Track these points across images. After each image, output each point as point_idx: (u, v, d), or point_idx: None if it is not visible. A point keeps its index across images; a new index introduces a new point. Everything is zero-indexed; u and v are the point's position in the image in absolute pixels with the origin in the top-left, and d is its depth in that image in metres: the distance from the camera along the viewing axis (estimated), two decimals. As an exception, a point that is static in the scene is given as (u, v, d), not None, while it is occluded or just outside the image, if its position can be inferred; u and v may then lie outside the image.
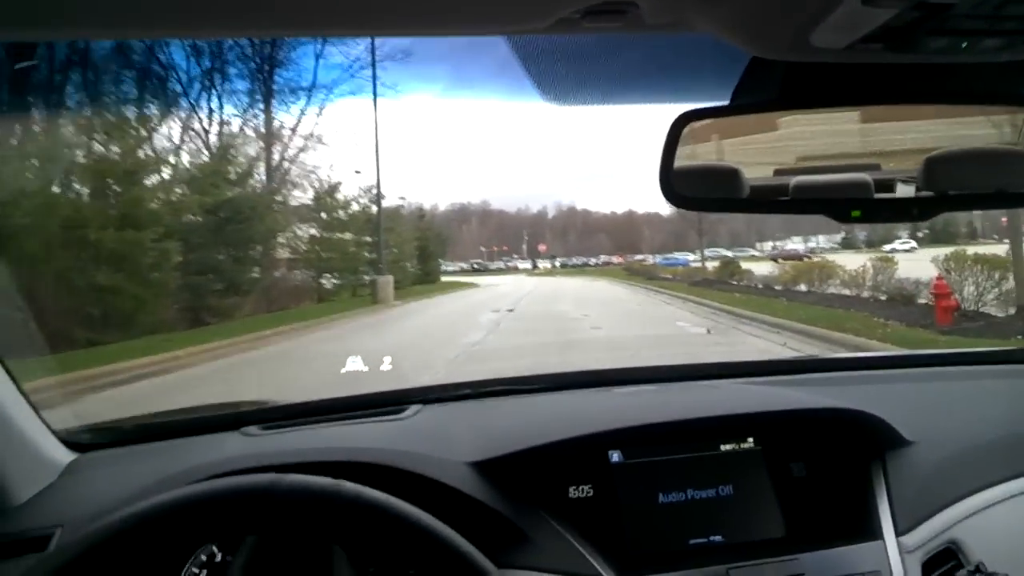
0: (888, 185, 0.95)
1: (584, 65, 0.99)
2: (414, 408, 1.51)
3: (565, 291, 26.85)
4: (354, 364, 8.03)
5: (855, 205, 0.94)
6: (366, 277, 22.34)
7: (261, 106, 22.16)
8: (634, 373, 1.94)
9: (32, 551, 1.08)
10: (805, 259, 41.13)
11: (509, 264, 61.81)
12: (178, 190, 16.77)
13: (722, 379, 1.74)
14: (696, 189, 0.98)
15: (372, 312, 18.51)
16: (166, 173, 16.74)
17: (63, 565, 0.69)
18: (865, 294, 13.94)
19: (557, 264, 61.74)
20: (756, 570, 1.16)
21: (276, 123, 22.32)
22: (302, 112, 22.64)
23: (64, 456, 1.31)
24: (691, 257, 47.96)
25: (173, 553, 1.04)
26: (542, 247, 57.05)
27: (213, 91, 20.94)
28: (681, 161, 0.95)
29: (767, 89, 0.89)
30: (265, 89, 22.22)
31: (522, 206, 79.08)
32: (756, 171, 0.99)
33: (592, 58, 0.98)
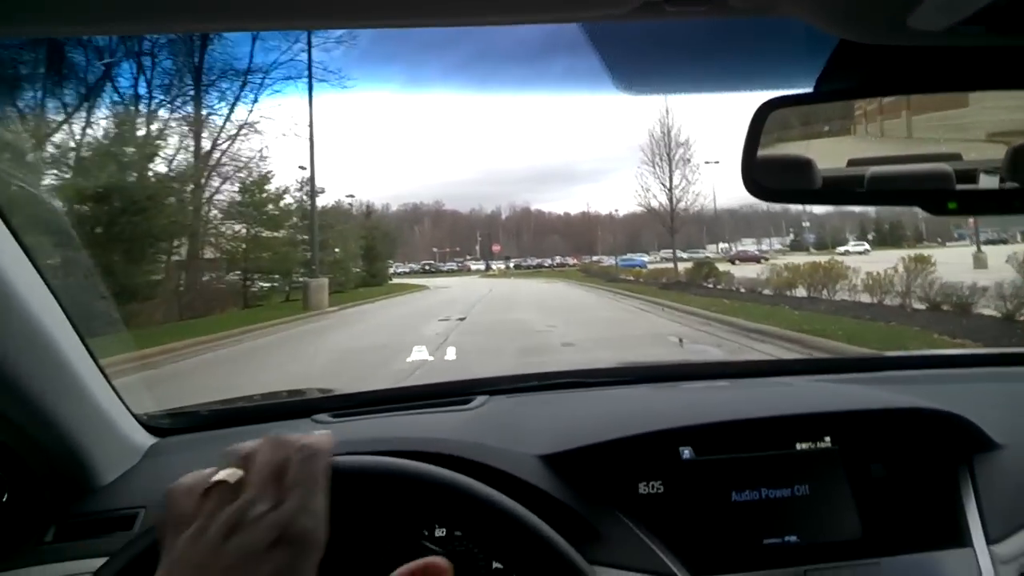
0: (970, 176, 0.89)
1: (659, 52, 0.96)
2: (480, 399, 1.49)
3: (522, 295, 24.36)
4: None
5: (945, 196, 0.88)
6: (303, 280, 19.52)
7: (191, 91, 19.44)
8: (702, 368, 2.00)
9: (119, 529, 1.11)
10: (763, 260, 40.17)
11: (462, 265, 59.16)
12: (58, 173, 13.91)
13: (795, 375, 1.71)
14: (776, 181, 0.93)
15: (297, 322, 15.60)
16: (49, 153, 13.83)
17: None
18: (891, 301, 11.60)
19: (511, 265, 59.39)
20: (834, 573, 1.12)
21: (209, 110, 19.93)
22: (236, 99, 19.95)
23: (145, 440, 1.34)
24: (647, 258, 46.49)
25: None
26: (496, 248, 54.37)
27: (139, 70, 18.10)
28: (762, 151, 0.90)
29: (854, 75, 0.85)
30: (195, 72, 19.43)
31: (476, 206, 77.46)
32: (828, 161, 0.93)
33: (667, 45, 0.94)
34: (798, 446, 1.25)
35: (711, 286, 18.62)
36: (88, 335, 1.18)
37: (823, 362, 1.95)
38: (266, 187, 20.41)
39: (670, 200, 21.59)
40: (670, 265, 28.45)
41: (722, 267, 22.51)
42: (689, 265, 23.97)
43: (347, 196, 33.83)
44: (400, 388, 1.64)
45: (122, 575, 0.70)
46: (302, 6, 0.64)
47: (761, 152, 0.89)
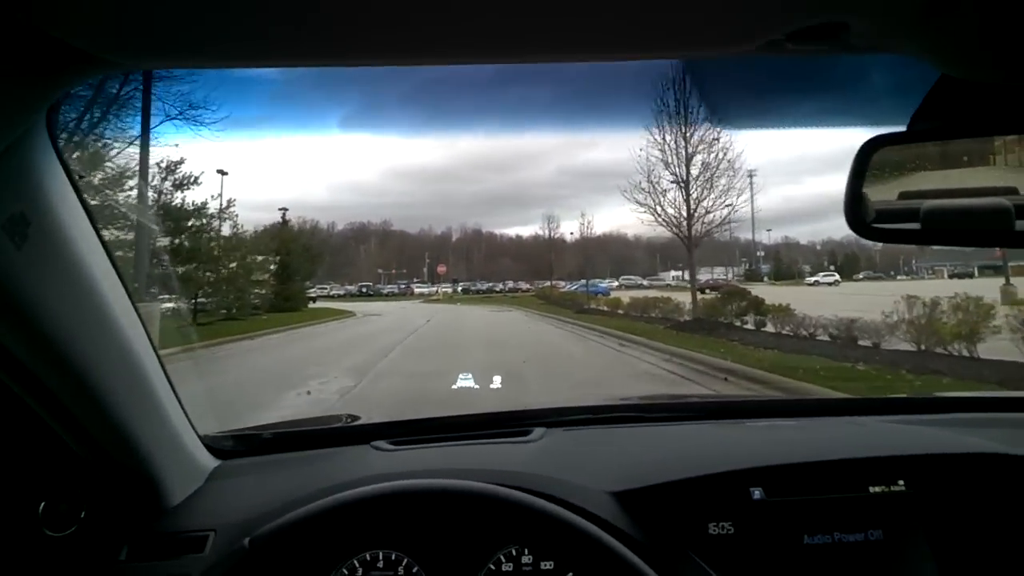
0: None
1: (755, 88, 0.95)
2: (539, 431, 1.45)
3: (468, 328, 17.88)
4: None
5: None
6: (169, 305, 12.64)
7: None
8: (766, 405, 1.91)
9: (190, 551, 1.10)
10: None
11: (404, 288, 52.17)
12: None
13: (862, 415, 1.61)
14: (880, 219, 0.90)
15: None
16: None
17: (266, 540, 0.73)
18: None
19: (459, 289, 52.68)
20: None
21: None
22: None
23: (210, 462, 1.33)
24: (609, 284, 40.92)
25: (327, 555, 1.06)
26: (441, 269, 47.77)
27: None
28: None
29: (951, 113, 0.82)
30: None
31: (425, 227, 70.70)
32: (879, 194, 0.90)
33: (763, 82, 0.94)
34: (871, 489, 1.20)
35: (751, 328, 12.28)
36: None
37: (890, 401, 1.86)
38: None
39: (688, 217, 15.50)
40: (649, 293, 22.50)
41: (674, 296, 18.00)
42: (653, 293, 19.85)
43: (280, 209, 28.66)
44: (456, 416, 1.61)
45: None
46: (415, 46, 0.67)
47: (867, 189, 0.86)
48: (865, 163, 0.86)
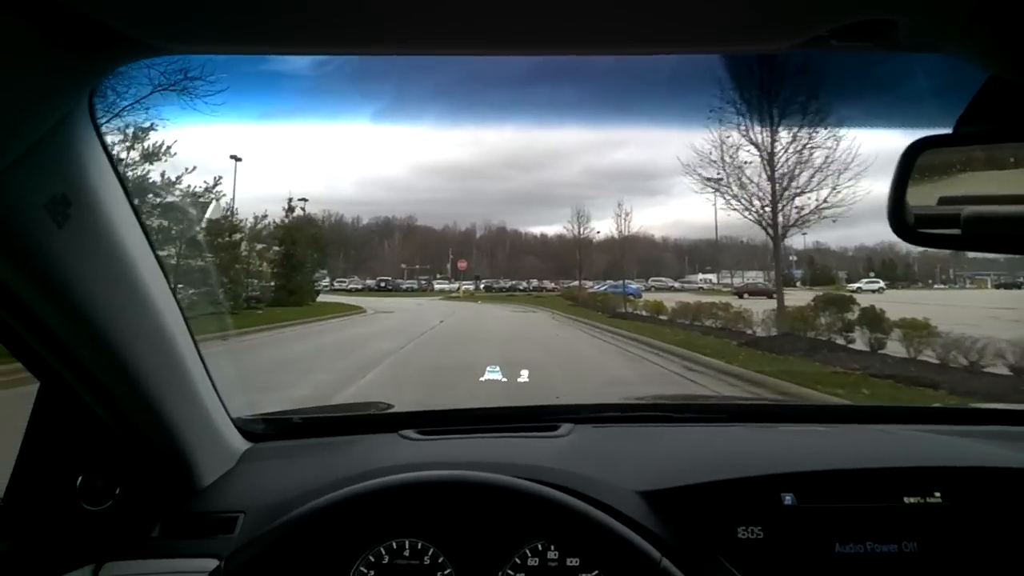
0: None
1: (797, 86, 1.16)
2: (567, 427, 1.43)
3: (487, 333, 15.01)
4: None
5: None
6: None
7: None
8: (797, 410, 1.86)
9: (221, 531, 1.12)
10: (774, 295, 34.90)
11: (425, 284, 49.28)
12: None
13: (895, 423, 1.58)
14: (924, 223, 0.87)
15: None
16: None
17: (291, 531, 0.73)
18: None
19: (481, 287, 49.77)
20: None
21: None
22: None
23: (241, 444, 1.33)
24: (637, 286, 38.09)
25: (354, 542, 1.07)
26: (461, 265, 44.77)
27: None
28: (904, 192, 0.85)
29: (998, 115, 0.79)
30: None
31: (449, 223, 68.19)
32: (919, 198, 0.86)
33: (805, 80, 1.12)
34: (906, 500, 1.17)
35: (862, 347, 9.01)
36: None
37: (925, 411, 1.75)
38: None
39: (773, 197, 12.18)
40: (680, 296, 19.29)
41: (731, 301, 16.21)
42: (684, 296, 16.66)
43: (299, 200, 25.88)
44: (483, 409, 1.57)
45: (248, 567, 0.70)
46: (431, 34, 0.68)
47: (911, 193, 0.84)
48: (910, 166, 0.83)
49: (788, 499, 1.16)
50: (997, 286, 41.03)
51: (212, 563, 0.86)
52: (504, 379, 7.38)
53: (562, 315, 21.63)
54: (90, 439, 1.10)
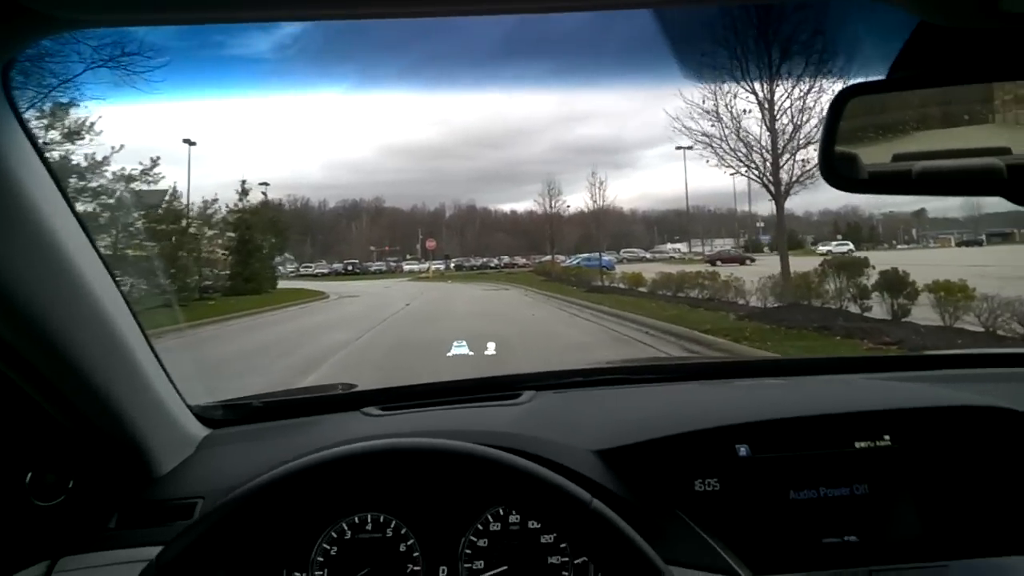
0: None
1: (730, 39, 1.39)
2: (528, 394, 1.43)
3: (455, 315, 13.89)
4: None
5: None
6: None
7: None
8: (754, 365, 1.91)
9: (179, 518, 1.10)
10: (748, 262, 32.69)
11: (393, 266, 47.59)
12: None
13: (850, 373, 1.58)
14: (856, 170, 0.87)
15: None
16: None
17: (240, 507, 0.71)
18: None
19: (451, 266, 48.20)
20: (900, 574, 1.06)
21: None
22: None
23: (199, 431, 1.31)
24: (610, 258, 37.10)
25: (314, 519, 1.08)
26: (431, 243, 43.09)
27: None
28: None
29: (929, 61, 0.80)
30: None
31: (418, 204, 66.74)
32: (872, 155, 0.88)
33: (736, 31, 1.34)
34: (856, 444, 1.18)
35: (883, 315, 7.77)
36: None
37: (878, 359, 1.83)
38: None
39: (774, 152, 10.88)
40: (652, 266, 18.13)
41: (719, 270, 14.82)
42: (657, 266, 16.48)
43: (261, 184, 25.59)
44: (446, 382, 1.54)
45: (183, 558, 0.68)
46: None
47: (840, 141, 0.84)
48: (838, 113, 0.84)
49: (743, 450, 1.16)
50: (959, 243, 41.09)
51: None
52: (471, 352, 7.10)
53: (535, 291, 20.40)
54: (37, 433, 1.06)
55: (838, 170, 0.85)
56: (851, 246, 41.37)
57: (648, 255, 53.53)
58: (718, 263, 28.72)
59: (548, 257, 48.80)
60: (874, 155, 0.87)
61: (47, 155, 0.84)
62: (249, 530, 0.74)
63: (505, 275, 34.03)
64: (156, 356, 1.16)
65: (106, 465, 1.11)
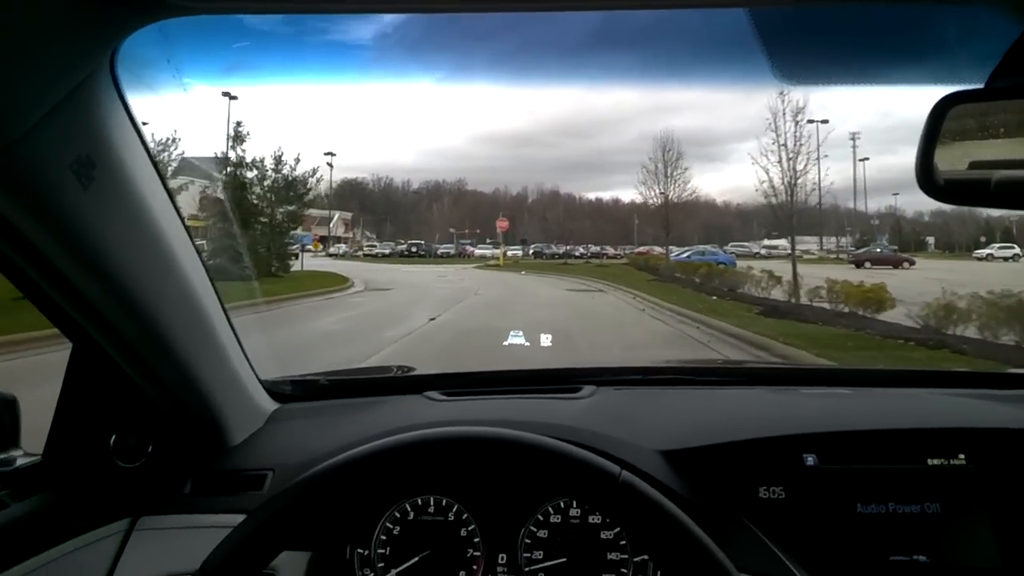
0: None
1: (824, 41, 0.91)
2: (589, 389, 1.35)
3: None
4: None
5: None
6: None
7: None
8: (821, 374, 1.75)
9: (250, 488, 1.09)
10: (906, 264, 26.79)
11: (461, 250, 40.23)
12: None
13: (921, 387, 1.43)
14: (955, 180, 0.83)
15: None
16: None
17: (312, 486, 0.72)
18: None
19: (530, 252, 40.39)
20: None
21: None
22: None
23: (269, 404, 1.31)
24: (729, 254, 28.96)
25: (379, 499, 1.07)
26: (502, 224, 34.75)
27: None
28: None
29: None
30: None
31: (500, 187, 60.25)
32: (948, 162, 0.82)
33: (830, 33, 0.90)
34: (929, 461, 1.09)
35: None
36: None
37: (952, 375, 1.65)
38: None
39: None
40: (768, 264, 14.36)
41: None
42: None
43: (326, 154, 18.98)
44: (506, 371, 1.50)
45: (261, 531, 0.69)
46: None
47: (939, 150, 0.80)
48: (939, 121, 0.79)
49: (810, 460, 1.09)
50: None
51: (242, 518, 0.80)
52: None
53: (647, 299, 12.27)
54: (122, 399, 1.07)
55: (936, 180, 0.80)
56: (1017, 249, 32.64)
57: (762, 251, 44.51)
58: (867, 265, 23.26)
59: (642, 248, 40.25)
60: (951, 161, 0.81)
61: (145, 137, 0.85)
62: (321, 507, 0.73)
63: (593, 268, 25.61)
64: (233, 330, 1.15)
65: (183, 432, 1.11)
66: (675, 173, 21.26)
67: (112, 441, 1.09)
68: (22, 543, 0.93)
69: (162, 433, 1.11)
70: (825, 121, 12.56)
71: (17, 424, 1.06)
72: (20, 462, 1.04)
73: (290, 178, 19.12)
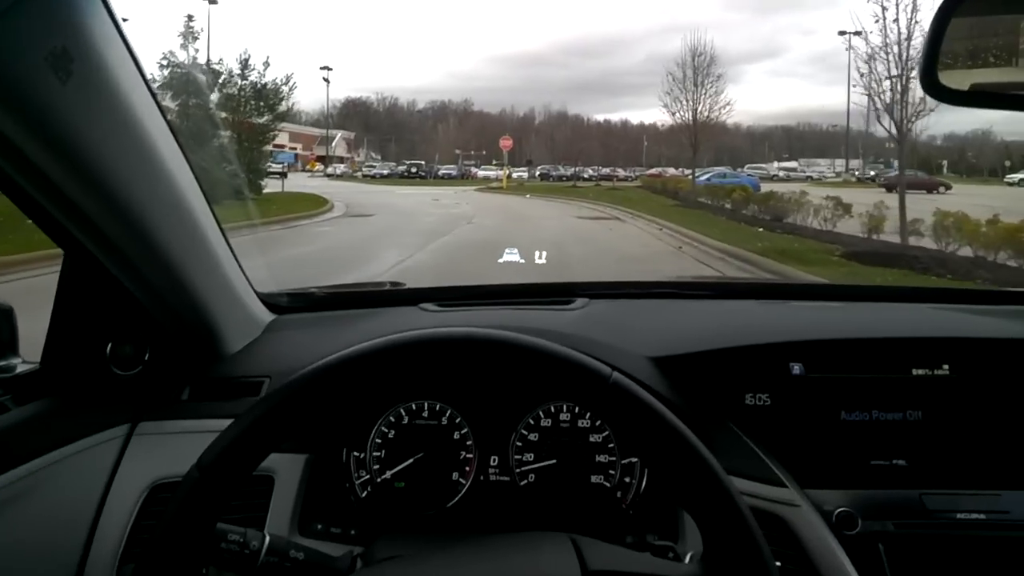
0: None
1: None
2: (582, 301, 1.32)
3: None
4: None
5: None
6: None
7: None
8: (812, 289, 1.73)
9: (247, 395, 1.09)
10: (942, 189, 25.08)
11: (463, 171, 37.18)
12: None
13: (912, 302, 1.39)
14: (960, 82, 0.84)
15: None
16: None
17: (300, 388, 0.70)
18: None
19: (537, 174, 37.29)
20: (952, 499, 1.00)
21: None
22: None
23: (265, 315, 1.28)
24: (754, 176, 26.34)
25: (374, 402, 1.07)
26: (506, 143, 31.19)
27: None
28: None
29: None
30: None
31: (507, 108, 56.82)
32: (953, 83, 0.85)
33: None
34: (914, 371, 1.08)
35: None
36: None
37: (938, 291, 1.59)
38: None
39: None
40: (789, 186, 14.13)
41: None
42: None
43: (321, 68, 17.55)
44: (501, 285, 1.51)
45: (250, 432, 0.68)
46: None
47: (944, 53, 0.80)
48: (943, 24, 0.80)
49: (796, 368, 1.08)
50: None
51: None
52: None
53: (683, 234, 9.75)
54: (116, 307, 1.04)
55: (941, 82, 0.81)
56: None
57: (780, 173, 41.18)
58: (895, 189, 19.58)
59: (654, 171, 37.00)
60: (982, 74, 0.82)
61: (125, 33, 0.83)
62: (317, 406, 0.72)
63: (605, 191, 22.87)
64: (227, 240, 1.11)
65: (179, 340, 1.09)
66: (706, 82, 18.10)
67: (108, 349, 1.07)
68: (24, 445, 0.94)
69: (158, 341, 1.09)
70: (858, 33, 10.32)
71: (15, 332, 1.06)
72: (20, 369, 1.04)
73: (259, 86, 16.39)
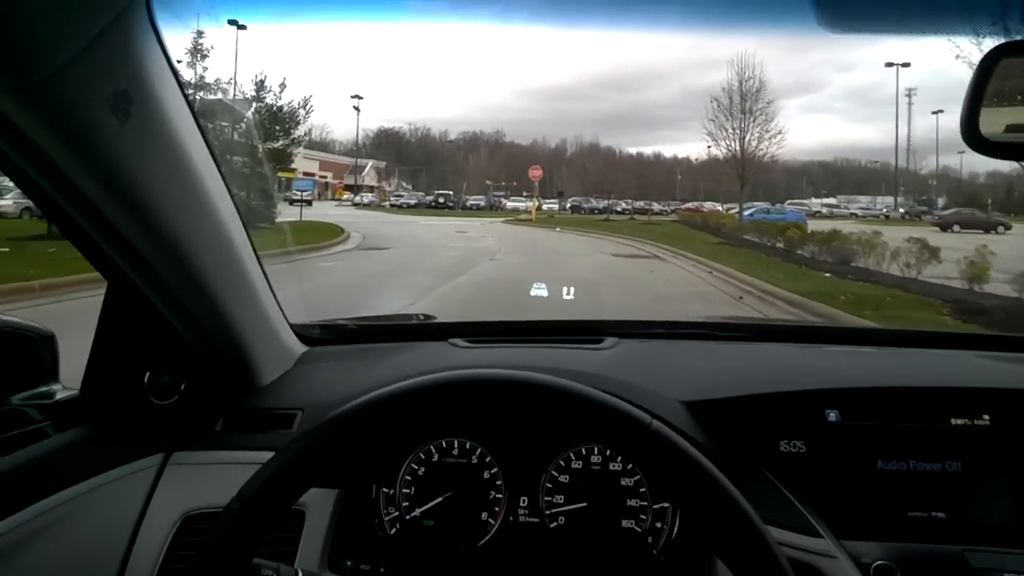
0: None
1: None
2: (611, 340, 1.33)
3: None
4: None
5: None
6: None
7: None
8: (847, 332, 1.72)
9: (280, 427, 1.10)
10: (1000, 229, 22.09)
11: (493, 202, 36.16)
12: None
13: (950, 348, 1.38)
14: (1002, 133, 0.81)
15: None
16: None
17: (333, 431, 0.71)
18: None
19: (567, 206, 36.10)
20: (998, 558, 0.95)
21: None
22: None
23: (298, 347, 1.30)
24: (800, 213, 24.77)
25: (405, 440, 1.07)
26: (535, 172, 30.29)
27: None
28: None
29: None
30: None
31: (539, 139, 56.61)
32: (987, 126, 0.81)
33: None
34: (953, 421, 1.06)
35: None
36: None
37: (979, 338, 1.53)
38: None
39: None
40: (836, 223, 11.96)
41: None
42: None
43: (352, 96, 16.21)
44: (530, 322, 1.50)
45: (291, 466, 0.68)
46: None
47: (987, 103, 0.77)
48: (988, 74, 0.77)
49: (832, 416, 1.07)
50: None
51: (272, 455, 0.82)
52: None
53: (737, 279, 8.36)
54: (156, 338, 1.07)
55: (981, 132, 0.78)
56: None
57: (824, 210, 39.41)
58: (955, 228, 19.97)
59: (691, 205, 35.47)
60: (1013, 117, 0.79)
61: (180, 74, 0.84)
62: (352, 443, 0.73)
63: (641, 226, 21.49)
64: (263, 272, 1.14)
65: (215, 371, 1.11)
66: (755, 108, 16.79)
67: (146, 379, 1.09)
68: (62, 473, 0.93)
69: (194, 372, 1.11)
70: (907, 64, 9.82)
71: (56, 359, 1.07)
72: (60, 395, 1.04)
73: (274, 108, 15.57)
